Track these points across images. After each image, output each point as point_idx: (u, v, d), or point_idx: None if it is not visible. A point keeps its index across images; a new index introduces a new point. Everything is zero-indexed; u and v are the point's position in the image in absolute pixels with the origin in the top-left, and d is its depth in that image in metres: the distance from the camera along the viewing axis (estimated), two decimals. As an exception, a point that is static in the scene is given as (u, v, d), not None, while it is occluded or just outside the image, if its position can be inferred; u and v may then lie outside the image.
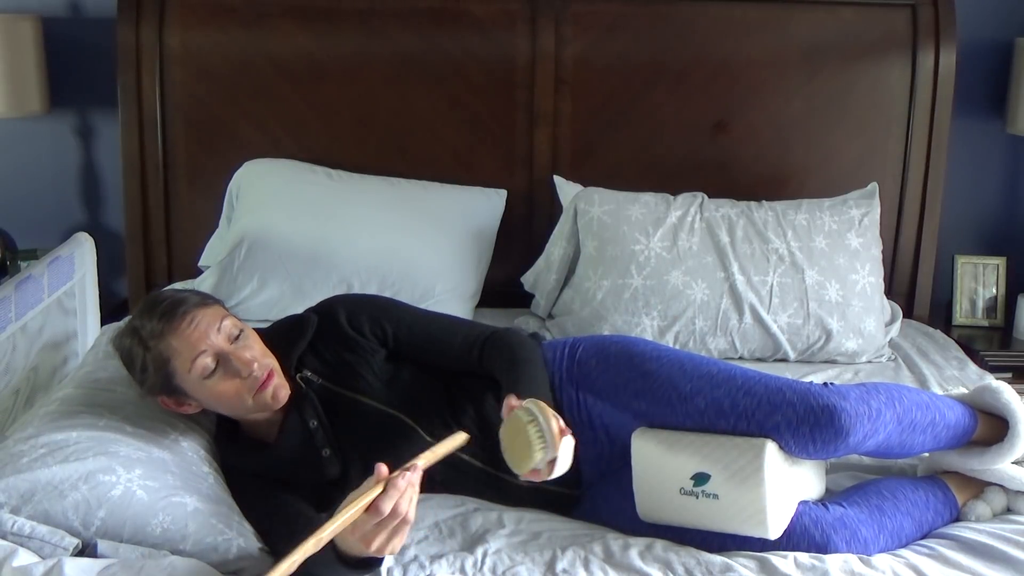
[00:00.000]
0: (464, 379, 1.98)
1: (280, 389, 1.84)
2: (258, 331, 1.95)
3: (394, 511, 1.44)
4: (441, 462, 1.86)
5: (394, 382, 1.94)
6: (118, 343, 1.87)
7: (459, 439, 1.57)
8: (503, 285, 2.93)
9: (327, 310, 1.98)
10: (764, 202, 2.81)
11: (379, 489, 1.45)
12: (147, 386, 1.84)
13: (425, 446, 1.87)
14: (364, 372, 1.92)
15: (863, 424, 1.72)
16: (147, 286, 2.99)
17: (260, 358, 1.82)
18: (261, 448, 1.90)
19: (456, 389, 1.96)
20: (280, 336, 1.95)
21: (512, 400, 1.67)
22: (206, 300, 1.86)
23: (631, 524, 1.82)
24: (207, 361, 1.78)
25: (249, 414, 1.88)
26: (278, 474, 1.87)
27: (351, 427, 1.90)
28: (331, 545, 1.50)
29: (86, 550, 1.62)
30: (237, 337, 1.82)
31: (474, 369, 1.95)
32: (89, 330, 2.66)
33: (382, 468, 1.48)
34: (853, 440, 1.72)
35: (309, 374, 1.92)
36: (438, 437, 1.88)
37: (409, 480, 1.47)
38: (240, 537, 1.69)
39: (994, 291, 3.17)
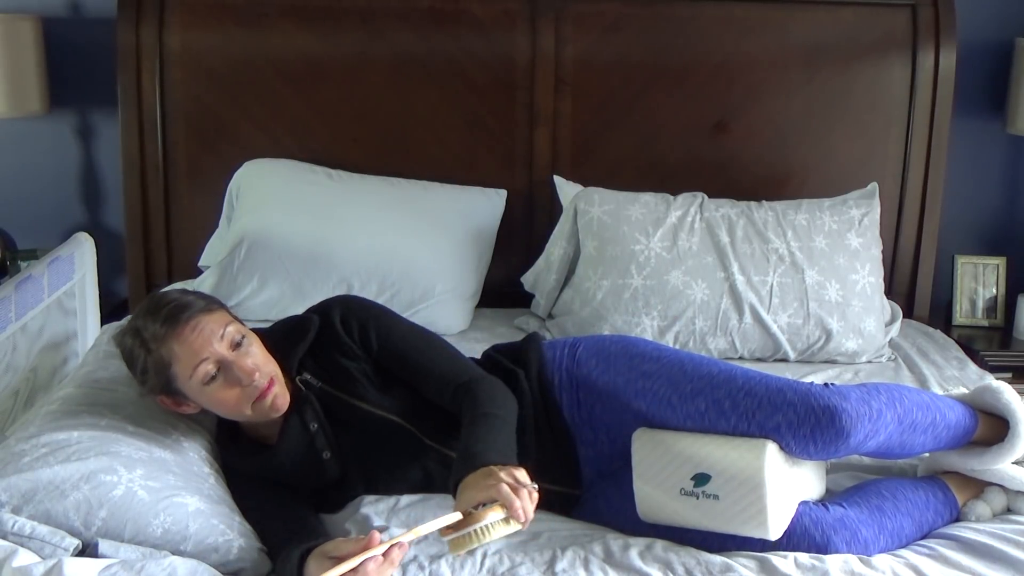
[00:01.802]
0: None
1: (279, 398, 1.83)
2: (259, 332, 1.95)
3: None
4: (440, 464, 1.86)
5: (392, 388, 1.92)
6: (120, 341, 1.86)
7: (453, 518, 1.57)
8: (503, 285, 2.93)
9: (325, 311, 1.97)
10: (764, 202, 2.81)
11: (367, 555, 1.51)
12: (147, 387, 1.84)
13: (426, 451, 1.87)
14: (360, 377, 1.91)
15: (864, 425, 1.72)
16: (147, 286, 2.99)
17: (262, 366, 1.81)
18: (261, 450, 1.90)
19: None
20: (281, 338, 1.94)
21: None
22: (211, 305, 1.84)
23: (631, 524, 1.82)
24: (209, 368, 1.78)
25: (249, 419, 1.87)
26: (278, 476, 1.87)
27: (351, 432, 1.89)
28: None
29: (87, 550, 1.62)
30: (239, 344, 1.81)
31: (445, 407, 1.89)
32: (89, 330, 2.66)
33: (374, 536, 1.53)
34: (854, 441, 1.72)
35: (309, 377, 1.91)
36: (439, 442, 1.88)
37: (392, 559, 1.52)
38: (241, 538, 1.70)
39: (994, 291, 3.17)
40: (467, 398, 1.82)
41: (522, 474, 1.60)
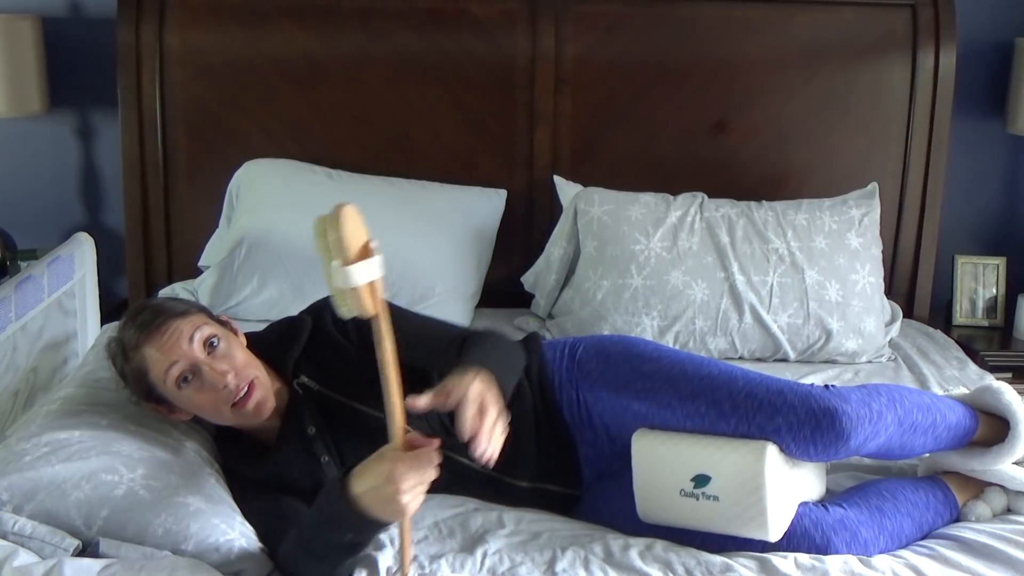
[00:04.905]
0: None
1: (263, 404, 1.82)
2: (254, 335, 1.94)
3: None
4: (439, 467, 1.84)
5: None
6: (109, 350, 1.88)
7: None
8: (503, 285, 2.93)
9: (317, 311, 1.96)
10: (764, 202, 2.81)
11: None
12: (134, 394, 1.85)
13: None
14: (356, 378, 1.89)
15: (864, 427, 1.72)
16: (147, 286, 2.99)
17: (241, 369, 1.80)
18: (260, 453, 1.89)
19: None
20: (275, 341, 1.93)
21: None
22: (189, 310, 1.84)
23: (631, 524, 1.82)
24: (180, 371, 1.77)
25: (235, 424, 1.86)
26: (277, 479, 1.85)
27: (349, 434, 1.88)
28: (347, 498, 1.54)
29: (87, 549, 1.62)
30: (215, 347, 1.80)
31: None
32: (89, 330, 2.66)
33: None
34: (854, 443, 1.72)
35: (306, 380, 1.90)
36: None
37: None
38: (242, 538, 1.69)
39: (994, 291, 3.17)
40: (469, 339, 1.83)
41: (494, 407, 1.59)
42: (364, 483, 1.54)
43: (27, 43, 2.93)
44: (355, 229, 1.50)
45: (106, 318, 2.75)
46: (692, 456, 1.76)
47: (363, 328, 1.91)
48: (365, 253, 1.51)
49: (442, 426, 1.89)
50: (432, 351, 1.88)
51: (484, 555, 1.71)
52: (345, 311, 1.51)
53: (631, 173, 2.96)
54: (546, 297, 2.81)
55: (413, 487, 1.51)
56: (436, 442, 1.55)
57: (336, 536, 1.58)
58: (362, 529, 1.58)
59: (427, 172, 2.96)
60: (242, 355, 1.83)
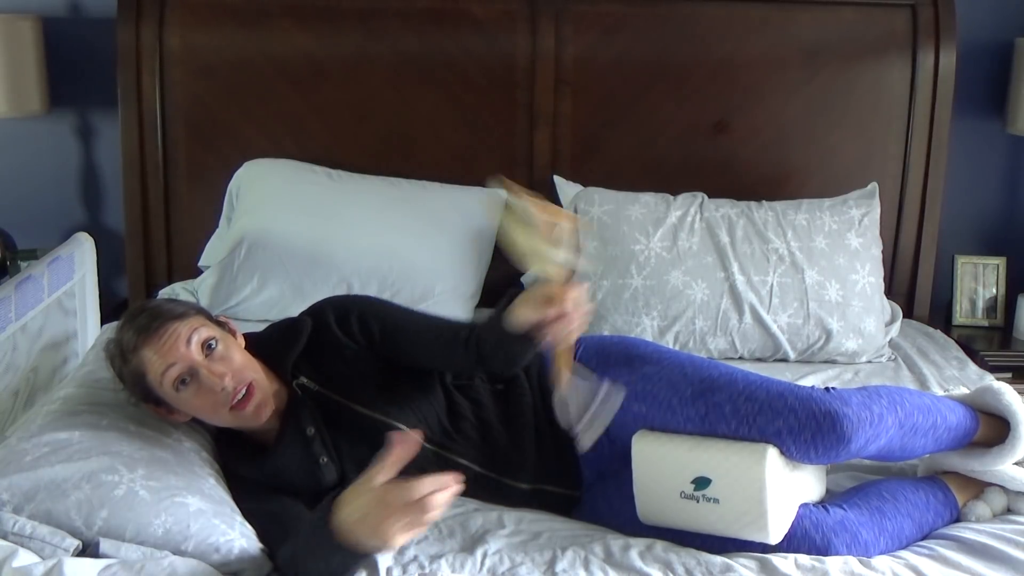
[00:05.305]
0: (462, 383, 1.97)
1: (263, 407, 1.82)
2: (253, 336, 1.94)
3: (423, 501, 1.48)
4: (439, 467, 1.84)
5: (389, 390, 1.91)
6: (107, 351, 1.88)
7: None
8: (503, 285, 2.91)
9: (319, 313, 1.96)
10: (764, 202, 2.81)
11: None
12: (132, 396, 1.85)
13: (425, 455, 1.86)
14: (357, 379, 1.90)
15: (865, 430, 1.72)
16: (147, 286, 2.99)
17: (238, 371, 1.80)
18: (260, 454, 1.89)
19: (454, 394, 1.95)
20: (275, 342, 1.93)
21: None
22: (187, 312, 1.84)
23: (631, 525, 1.81)
24: (177, 374, 1.77)
25: (233, 426, 1.86)
26: (276, 481, 1.85)
27: (348, 435, 1.88)
28: (329, 530, 1.52)
29: (87, 549, 1.62)
30: (213, 349, 1.80)
31: (463, 358, 1.88)
32: (89, 330, 2.66)
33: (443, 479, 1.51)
34: (855, 446, 1.72)
35: (306, 381, 1.90)
36: (438, 444, 1.88)
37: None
38: (242, 538, 1.69)
39: (994, 291, 3.17)
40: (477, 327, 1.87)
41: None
42: (350, 510, 1.52)
43: (27, 43, 2.93)
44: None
45: (106, 318, 2.75)
46: (692, 458, 1.76)
47: (368, 328, 1.93)
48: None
49: (441, 427, 1.90)
50: (432, 346, 1.90)
51: (484, 555, 1.71)
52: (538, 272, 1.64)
53: (631, 173, 2.96)
54: (546, 297, 2.80)
55: (402, 519, 1.48)
56: (448, 479, 1.52)
57: (322, 564, 1.56)
58: (344, 559, 1.56)
59: (427, 172, 2.96)
60: (240, 357, 1.83)
